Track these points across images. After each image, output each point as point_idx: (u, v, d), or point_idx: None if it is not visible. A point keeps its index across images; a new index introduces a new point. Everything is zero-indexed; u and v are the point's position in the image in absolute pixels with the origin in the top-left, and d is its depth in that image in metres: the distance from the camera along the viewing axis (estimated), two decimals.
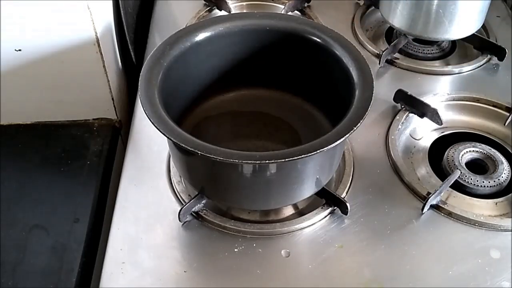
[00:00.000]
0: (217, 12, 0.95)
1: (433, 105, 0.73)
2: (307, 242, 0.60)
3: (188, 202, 0.60)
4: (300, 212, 0.64)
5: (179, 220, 0.60)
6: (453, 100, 0.78)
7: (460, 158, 0.69)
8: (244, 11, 0.98)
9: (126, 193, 0.64)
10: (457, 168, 0.67)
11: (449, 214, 0.62)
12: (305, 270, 0.57)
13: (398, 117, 0.74)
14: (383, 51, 0.83)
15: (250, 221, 0.62)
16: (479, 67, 0.84)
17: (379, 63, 0.83)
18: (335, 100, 0.59)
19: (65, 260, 0.61)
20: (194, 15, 0.93)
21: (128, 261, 0.58)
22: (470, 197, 0.66)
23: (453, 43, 0.91)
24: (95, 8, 0.67)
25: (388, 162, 0.69)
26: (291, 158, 0.47)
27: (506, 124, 0.75)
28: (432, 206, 0.63)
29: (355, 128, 0.50)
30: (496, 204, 0.66)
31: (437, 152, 0.72)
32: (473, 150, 0.70)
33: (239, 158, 0.47)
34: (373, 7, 0.95)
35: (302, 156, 0.47)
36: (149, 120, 0.50)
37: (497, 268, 0.57)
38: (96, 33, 0.69)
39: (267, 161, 0.47)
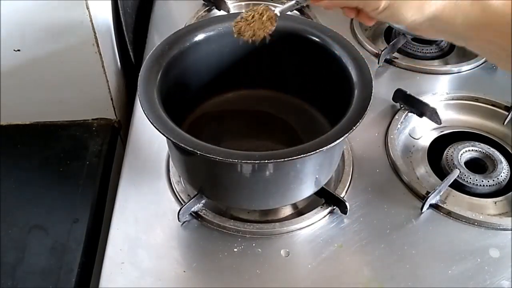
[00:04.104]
0: (216, 12, 0.95)
1: (432, 105, 0.73)
2: (307, 241, 0.60)
3: (188, 202, 0.60)
4: (300, 212, 0.64)
5: (179, 220, 0.60)
6: (452, 99, 0.78)
7: (459, 157, 0.69)
8: (243, 11, 0.98)
9: (125, 193, 0.64)
10: (456, 168, 0.67)
11: (449, 214, 0.62)
12: (304, 269, 0.57)
13: (397, 117, 0.74)
14: (382, 51, 0.83)
15: (249, 221, 0.62)
16: (478, 66, 0.84)
17: (378, 63, 0.83)
18: (334, 99, 0.59)
19: (65, 260, 0.61)
20: (193, 15, 0.93)
21: (128, 261, 0.58)
22: (469, 196, 0.66)
23: None
24: (94, 8, 0.67)
25: (387, 162, 0.69)
26: (290, 158, 0.47)
27: (505, 123, 0.75)
28: (431, 206, 0.63)
29: (354, 128, 0.50)
30: (495, 203, 0.66)
31: (436, 151, 0.72)
32: (472, 149, 0.70)
33: (238, 158, 0.47)
34: None
35: (301, 156, 0.47)
36: (148, 120, 0.50)
37: (496, 267, 0.57)
38: (95, 33, 0.69)
39: (266, 161, 0.47)
